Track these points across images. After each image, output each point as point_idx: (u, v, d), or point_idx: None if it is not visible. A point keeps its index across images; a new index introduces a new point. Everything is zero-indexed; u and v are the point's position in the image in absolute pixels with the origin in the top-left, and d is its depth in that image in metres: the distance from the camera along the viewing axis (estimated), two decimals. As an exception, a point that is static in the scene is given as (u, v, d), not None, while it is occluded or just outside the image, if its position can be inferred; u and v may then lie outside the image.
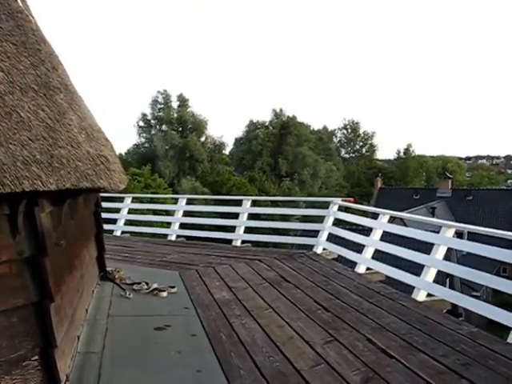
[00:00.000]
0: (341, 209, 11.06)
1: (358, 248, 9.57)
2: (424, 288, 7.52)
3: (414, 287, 7.68)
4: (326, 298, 7.25)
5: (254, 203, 13.17)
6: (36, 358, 4.14)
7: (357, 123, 70.59)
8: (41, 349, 4.17)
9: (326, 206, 11.23)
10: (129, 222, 14.36)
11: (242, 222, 12.14)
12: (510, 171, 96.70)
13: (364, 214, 15.58)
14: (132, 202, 14.77)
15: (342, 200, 11.25)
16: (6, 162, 3.41)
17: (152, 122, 58.87)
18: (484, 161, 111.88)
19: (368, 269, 9.19)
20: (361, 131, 70.58)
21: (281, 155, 57.23)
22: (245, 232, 12.15)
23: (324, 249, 10.68)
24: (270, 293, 7.58)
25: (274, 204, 21.49)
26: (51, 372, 4.24)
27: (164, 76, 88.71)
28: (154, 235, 14.81)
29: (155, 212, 21.87)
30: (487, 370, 4.81)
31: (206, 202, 17.59)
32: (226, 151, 62.34)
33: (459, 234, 8.95)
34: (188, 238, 13.19)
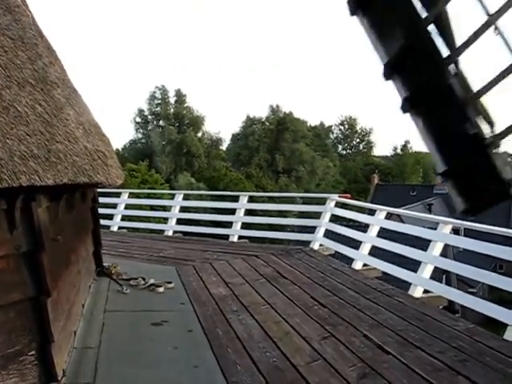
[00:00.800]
0: (338, 205, 11.06)
1: (355, 244, 9.58)
2: (421, 284, 7.54)
3: (410, 283, 7.70)
4: (322, 294, 7.26)
5: (251, 199, 13.16)
6: (33, 352, 4.14)
7: (354, 119, 70.62)
8: (38, 344, 4.17)
9: (322, 202, 11.23)
10: (126, 218, 14.32)
11: (239, 217, 12.14)
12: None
13: (361, 210, 15.59)
14: (129, 197, 14.74)
15: (339, 196, 11.26)
16: (4, 156, 3.40)
17: (149, 117, 58.78)
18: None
19: (365, 265, 9.20)
20: (358, 127, 70.60)
21: (278, 151, 57.20)
22: (242, 228, 12.15)
23: (321, 245, 10.68)
24: (267, 289, 7.59)
25: (271, 200, 21.51)
26: (48, 367, 4.24)
27: (161, 72, 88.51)
28: (150, 231, 14.80)
29: (152, 207, 21.86)
30: (484, 366, 4.82)
31: (203, 198, 17.57)
32: (223, 147, 62.31)
33: (456, 231, 8.97)
34: (185, 233, 13.18)
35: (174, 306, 6.80)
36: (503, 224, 9.17)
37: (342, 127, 71.66)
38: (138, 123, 59.11)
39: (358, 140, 71.22)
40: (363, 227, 10.31)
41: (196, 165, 53.73)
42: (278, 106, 60.43)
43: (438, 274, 13.81)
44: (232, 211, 12.46)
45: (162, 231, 13.63)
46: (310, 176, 57.05)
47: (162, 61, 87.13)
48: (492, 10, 3.35)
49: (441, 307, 7.19)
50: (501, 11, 3.78)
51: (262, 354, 5.12)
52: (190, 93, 62.90)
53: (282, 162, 56.78)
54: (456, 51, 3.37)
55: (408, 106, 3.18)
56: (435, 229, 7.94)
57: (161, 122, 57.59)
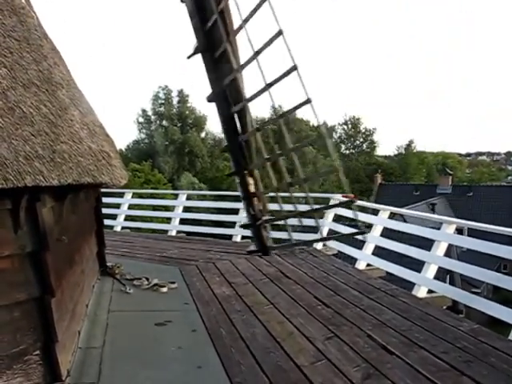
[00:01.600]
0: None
1: (359, 244, 9.58)
2: (425, 284, 7.54)
3: (414, 283, 7.69)
4: (326, 294, 7.25)
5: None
6: (37, 352, 4.16)
7: (357, 119, 70.46)
8: (42, 343, 4.18)
9: (326, 202, 11.22)
10: (129, 218, 14.35)
11: (242, 217, 12.13)
12: (510, 167, 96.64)
13: (364, 210, 15.56)
14: (132, 197, 14.76)
15: (342, 196, 11.24)
16: (9, 157, 3.42)
17: (152, 117, 58.80)
18: (484, 157, 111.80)
19: (368, 265, 9.21)
20: (361, 127, 70.48)
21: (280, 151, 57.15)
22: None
23: (324, 245, 10.68)
24: (270, 288, 7.59)
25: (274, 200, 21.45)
26: (52, 367, 4.26)
27: (164, 72, 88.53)
28: (153, 231, 14.82)
29: (155, 208, 21.88)
30: (488, 367, 4.81)
31: (206, 198, 17.56)
32: (227, 147, 62.20)
33: (459, 231, 8.97)
34: (188, 233, 13.20)
35: (178, 306, 6.81)
36: (507, 224, 9.14)
37: (345, 127, 71.56)
38: (140, 123, 59.16)
39: (361, 140, 71.10)
40: (366, 227, 10.30)
41: (199, 165, 53.74)
42: (280, 107, 60.37)
43: (442, 274, 13.81)
44: (235, 211, 12.47)
45: (166, 231, 13.65)
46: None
47: (164, 61, 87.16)
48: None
49: (445, 307, 7.19)
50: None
51: (265, 354, 5.13)
52: (192, 93, 62.67)
53: (284, 162, 56.71)
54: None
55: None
56: (439, 229, 7.93)
57: (164, 122, 57.61)
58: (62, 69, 4.42)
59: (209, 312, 6.49)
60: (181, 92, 58.30)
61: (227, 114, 8.92)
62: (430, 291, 7.57)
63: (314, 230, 11.21)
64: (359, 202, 12.43)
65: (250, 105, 8.70)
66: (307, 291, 7.43)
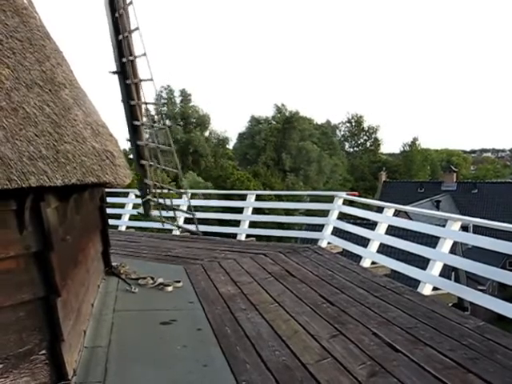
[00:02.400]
0: (345, 203, 11.05)
1: (363, 242, 9.57)
2: (430, 282, 7.52)
3: (419, 281, 7.67)
4: (331, 292, 7.25)
5: (259, 198, 13.16)
6: (43, 352, 4.17)
7: (361, 117, 70.43)
8: (48, 343, 4.19)
9: (330, 200, 11.22)
10: (133, 217, 14.36)
11: (247, 216, 12.15)
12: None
13: (369, 207, 15.56)
14: (136, 197, 14.76)
15: (347, 194, 11.24)
16: (13, 157, 3.42)
17: (156, 117, 58.84)
18: (489, 154, 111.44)
19: (373, 263, 9.19)
20: (365, 125, 70.39)
21: (284, 150, 57.11)
22: (249, 226, 12.15)
23: (329, 243, 10.67)
24: (275, 287, 7.59)
25: (279, 198, 21.48)
26: (58, 366, 4.27)
27: (166, 71, 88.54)
28: (158, 230, 14.82)
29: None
30: (495, 364, 4.79)
31: (210, 197, 17.58)
32: (230, 146, 62.29)
33: (464, 228, 8.94)
34: (192, 232, 13.19)
35: (183, 305, 6.81)
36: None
37: (348, 125, 71.49)
38: (143, 124, 59.13)
39: (365, 138, 71.02)
40: (371, 225, 10.29)
41: (203, 164, 53.77)
42: (283, 105, 60.37)
43: (447, 272, 13.80)
44: (239, 210, 12.47)
45: (170, 230, 13.65)
46: (317, 174, 56.93)
47: (166, 60, 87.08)
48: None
49: (450, 305, 7.16)
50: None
51: (271, 353, 5.12)
52: (196, 92, 62.79)
53: (288, 160, 56.71)
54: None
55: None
56: (444, 226, 7.91)
57: (167, 122, 57.64)
58: (65, 69, 4.42)
59: (214, 311, 6.49)
60: (183, 91, 58.34)
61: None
62: (435, 288, 7.55)
63: (319, 228, 11.22)
64: (364, 200, 12.45)
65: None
66: (312, 289, 7.43)
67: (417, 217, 18.74)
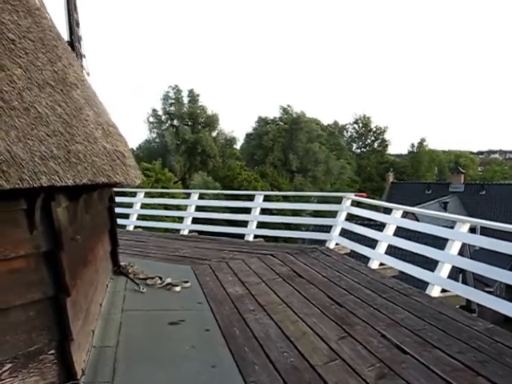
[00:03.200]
0: (353, 204, 11.03)
1: (372, 243, 9.54)
2: (438, 284, 7.49)
3: (427, 283, 7.65)
4: (339, 294, 7.24)
5: (266, 198, 13.16)
6: (52, 351, 4.18)
7: (368, 118, 70.13)
8: (57, 343, 4.20)
9: (338, 201, 11.20)
10: (141, 217, 14.40)
11: (255, 216, 12.15)
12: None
13: (377, 208, 15.52)
14: (144, 196, 14.82)
15: (355, 195, 11.22)
16: (25, 157, 3.44)
17: (163, 117, 58.91)
18: (497, 155, 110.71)
19: (381, 264, 9.16)
20: (372, 126, 70.18)
21: (292, 151, 57.06)
22: (257, 227, 12.16)
23: (337, 244, 10.66)
24: (283, 288, 7.59)
25: (286, 199, 21.47)
26: (67, 366, 4.28)
27: (173, 71, 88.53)
28: (166, 230, 14.86)
29: (166, 207, 21.94)
30: (504, 367, 4.77)
31: (218, 197, 17.59)
32: (237, 146, 62.29)
33: (472, 229, 8.89)
34: (200, 232, 13.22)
35: (191, 306, 6.82)
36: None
37: (356, 126, 71.29)
38: (151, 123, 59.26)
39: (372, 138, 70.79)
40: (379, 226, 10.27)
41: (210, 164, 53.80)
42: (289, 106, 60.28)
43: (455, 274, 13.72)
44: (247, 210, 12.48)
45: (178, 230, 13.68)
46: (325, 175, 56.85)
47: (173, 60, 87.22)
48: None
49: (458, 307, 7.14)
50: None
51: (279, 354, 5.12)
52: (203, 92, 62.79)
53: (296, 161, 56.64)
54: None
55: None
56: (452, 227, 7.88)
57: (175, 122, 57.69)
58: (77, 69, 4.44)
59: (222, 311, 6.49)
60: (191, 91, 58.35)
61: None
62: (443, 290, 7.52)
63: (327, 229, 11.21)
64: (372, 201, 12.42)
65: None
66: (320, 290, 7.42)
67: (424, 218, 18.68)
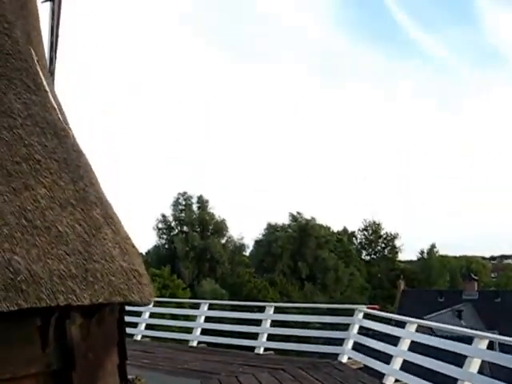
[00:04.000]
0: (365, 316, 10.85)
1: (385, 356, 9.26)
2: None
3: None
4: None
5: (277, 309, 13.00)
6: None
7: (378, 224, 70.38)
8: None
9: (350, 313, 11.03)
10: (149, 326, 14.13)
11: (265, 328, 11.93)
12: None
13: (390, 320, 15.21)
14: (153, 305, 14.63)
15: (367, 307, 11.07)
16: (43, 276, 3.50)
17: (173, 223, 59.61)
18: (510, 261, 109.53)
19: (397, 381, 8.84)
20: (382, 232, 70.27)
21: (301, 258, 56.95)
22: (267, 339, 11.90)
23: (349, 358, 10.35)
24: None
25: (297, 310, 21.12)
26: None
27: (182, 176, 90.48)
28: (174, 340, 14.53)
29: (176, 316, 21.60)
30: None
31: (228, 308, 17.42)
32: (247, 253, 62.31)
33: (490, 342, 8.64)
34: (210, 344, 12.92)
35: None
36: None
37: (365, 232, 71.42)
38: (160, 229, 59.86)
39: (382, 245, 70.62)
40: (393, 337, 10.01)
41: (219, 271, 53.62)
42: (298, 213, 60.99)
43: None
44: (257, 322, 12.29)
45: (187, 341, 13.38)
46: (335, 283, 56.27)
47: (182, 164, 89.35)
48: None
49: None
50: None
51: None
52: (212, 197, 63.73)
53: (305, 268, 56.35)
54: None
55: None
56: (470, 338, 7.67)
57: (184, 228, 58.26)
58: (97, 187, 4.61)
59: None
60: (200, 198, 59.40)
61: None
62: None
63: (338, 342, 10.96)
64: (385, 314, 12.22)
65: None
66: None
67: (440, 330, 18.20)
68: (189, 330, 13.88)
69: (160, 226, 59.40)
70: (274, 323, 12.77)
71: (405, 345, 8.93)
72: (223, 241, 58.30)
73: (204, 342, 12.94)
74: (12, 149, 4.21)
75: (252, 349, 11.94)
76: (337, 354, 10.60)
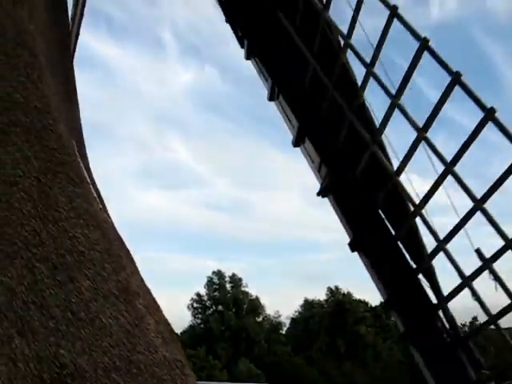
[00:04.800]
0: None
1: None
2: None
3: None
4: None
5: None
6: None
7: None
8: None
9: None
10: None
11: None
12: None
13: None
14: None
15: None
16: (88, 369, 3.52)
17: (207, 302, 59.26)
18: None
19: None
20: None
21: (339, 334, 55.49)
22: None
23: None
24: None
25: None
26: None
27: (215, 257, 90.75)
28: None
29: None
30: None
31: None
32: (283, 330, 61.03)
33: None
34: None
35: None
36: None
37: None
38: (195, 308, 59.45)
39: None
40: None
41: (256, 350, 52.52)
42: (336, 288, 60.03)
43: None
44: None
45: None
46: (374, 359, 54.36)
47: (217, 245, 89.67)
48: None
49: None
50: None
51: None
52: (246, 275, 63.55)
53: (343, 345, 54.76)
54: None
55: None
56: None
57: (219, 307, 57.76)
58: (139, 277, 4.68)
59: None
60: (233, 276, 59.17)
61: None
62: None
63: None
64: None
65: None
66: None
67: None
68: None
69: (195, 305, 59.15)
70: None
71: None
72: (259, 319, 57.47)
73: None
74: (57, 241, 4.34)
75: None
76: None
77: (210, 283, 58.61)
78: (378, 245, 8.28)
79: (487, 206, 7.03)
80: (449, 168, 7.13)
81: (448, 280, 8.02)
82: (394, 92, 7.70)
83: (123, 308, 4.12)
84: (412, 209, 7.76)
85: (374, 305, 66.34)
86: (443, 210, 7.78)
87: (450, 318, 7.72)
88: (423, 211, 7.65)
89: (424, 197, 7.56)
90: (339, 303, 57.37)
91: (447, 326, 7.76)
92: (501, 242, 6.85)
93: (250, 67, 10.12)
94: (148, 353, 3.88)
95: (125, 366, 3.68)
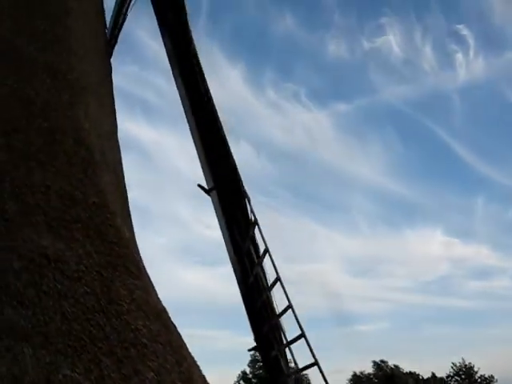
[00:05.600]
0: None
1: None
2: None
3: None
4: None
5: None
6: None
7: (470, 367, 65.19)
8: None
9: None
10: None
11: None
12: None
13: None
14: None
15: None
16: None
17: (253, 380, 57.77)
18: None
19: None
20: (476, 376, 64.78)
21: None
22: None
23: None
24: None
25: None
26: None
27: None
28: None
29: None
30: None
31: None
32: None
33: None
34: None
35: None
36: None
37: (458, 378, 66.02)
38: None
39: (478, 390, 64.71)
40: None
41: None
42: (382, 362, 57.94)
43: None
44: None
45: None
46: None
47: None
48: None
49: None
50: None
51: None
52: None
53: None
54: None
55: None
56: None
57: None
58: (197, 367, 4.76)
59: None
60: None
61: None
62: None
63: None
64: None
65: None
66: None
67: None
68: None
69: (241, 383, 57.78)
70: None
71: None
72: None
73: None
74: (121, 335, 4.46)
75: None
76: None
77: (253, 361, 57.22)
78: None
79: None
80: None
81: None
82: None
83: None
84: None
85: (425, 377, 63.40)
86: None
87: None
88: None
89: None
90: (388, 377, 55.10)
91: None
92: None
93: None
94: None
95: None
